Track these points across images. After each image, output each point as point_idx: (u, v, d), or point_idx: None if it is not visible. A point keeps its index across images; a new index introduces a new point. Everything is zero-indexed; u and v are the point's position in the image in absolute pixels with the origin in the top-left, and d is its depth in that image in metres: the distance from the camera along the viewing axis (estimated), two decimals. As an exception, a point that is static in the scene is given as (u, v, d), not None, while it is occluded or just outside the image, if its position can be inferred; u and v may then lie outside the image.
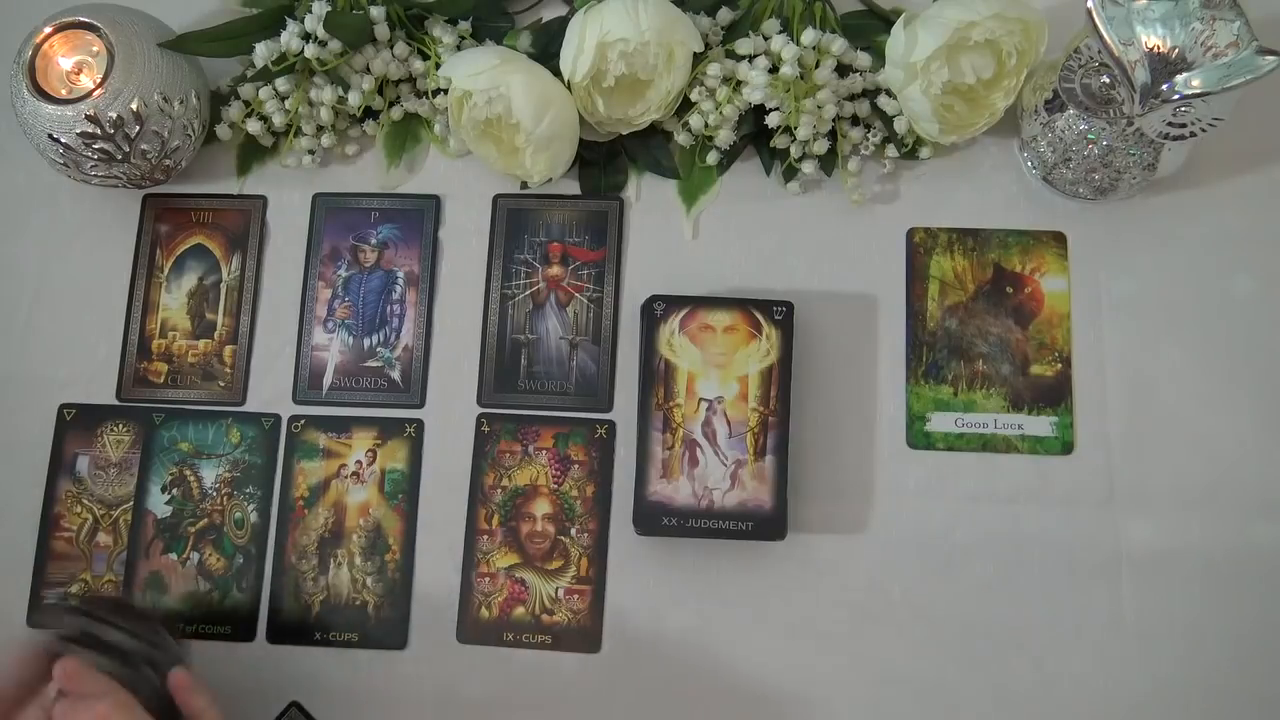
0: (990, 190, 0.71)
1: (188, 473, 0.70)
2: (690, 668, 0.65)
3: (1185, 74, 0.58)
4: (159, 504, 0.69)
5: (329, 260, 0.73)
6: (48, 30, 0.67)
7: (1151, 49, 0.59)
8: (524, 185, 0.73)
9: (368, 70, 0.70)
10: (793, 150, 0.69)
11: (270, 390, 0.71)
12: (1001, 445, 0.67)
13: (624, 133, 0.71)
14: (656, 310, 0.66)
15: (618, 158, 0.73)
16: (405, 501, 0.68)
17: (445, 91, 0.68)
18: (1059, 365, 0.68)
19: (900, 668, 0.65)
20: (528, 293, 0.71)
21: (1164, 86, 0.59)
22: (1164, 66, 0.59)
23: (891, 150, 0.70)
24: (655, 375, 0.65)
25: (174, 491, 0.69)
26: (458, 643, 0.66)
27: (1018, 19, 0.63)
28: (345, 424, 0.70)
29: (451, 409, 0.70)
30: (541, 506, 0.68)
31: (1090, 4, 0.59)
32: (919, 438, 0.68)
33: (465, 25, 0.71)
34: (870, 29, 0.71)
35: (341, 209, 0.73)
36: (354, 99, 0.70)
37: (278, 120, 0.71)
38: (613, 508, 0.67)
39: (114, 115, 0.65)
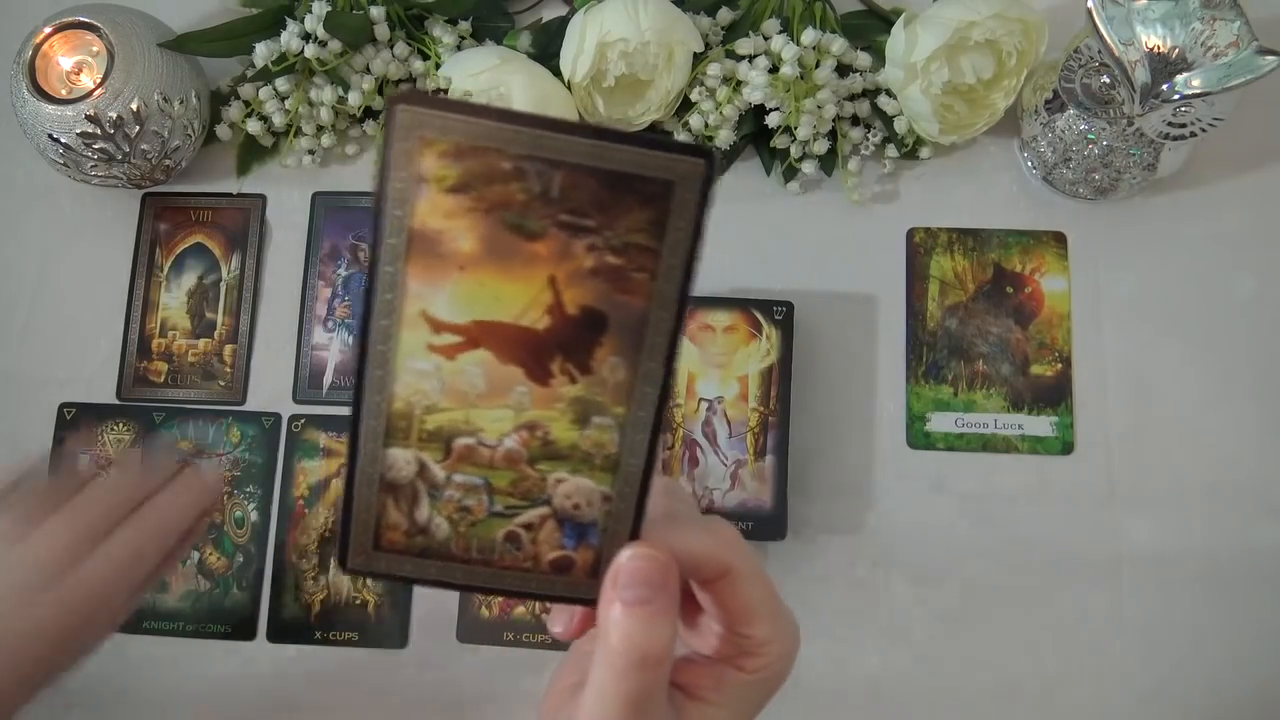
0: (990, 190, 0.71)
1: (188, 472, 0.70)
2: (690, 667, 0.65)
3: (1185, 74, 0.58)
4: (159, 504, 0.69)
5: (329, 259, 0.73)
6: (48, 30, 0.67)
7: (1151, 49, 0.59)
8: (524, 185, 0.72)
9: (368, 70, 0.70)
10: (793, 150, 0.69)
11: (270, 389, 0.71)
12: (1001, 445, 0.67)
13: (624, 133, 0.71)
14: (656, 310, 0.65)
15: (618, 157, 0.73)
16: (405, 501, 0.68)
17: (445, 91, 0.68)
18: (1059, 365, 0.68)
19: (900, 668, 0.65)
20: (528, 292, 0.71)
21: (1164, 86, 0.59)
22: (1164, 66, 0.59)
23: (891, 150, 0.70)
24: (655, 375, 0.65)
25: (174, 491, 0.69)
26: (458, 643, 0.66)
27: (1018, 19, 0.63)
28: (346, 423, 0.70)
29: (451, 409, 0.70)
30: (541, 506, 0.68)
31: (1090, 4, 0.59)
32: (919, 438, 0.68)
33: (465, 25, 0.71)
34: (870, 29, 0.71)
35: (341, 208, 0.73)
36: (354, 99, 0.70)
37: (278, 120, 0.71)
38: (613, 507, 0.67)
39: (114, 115, 0.65)
